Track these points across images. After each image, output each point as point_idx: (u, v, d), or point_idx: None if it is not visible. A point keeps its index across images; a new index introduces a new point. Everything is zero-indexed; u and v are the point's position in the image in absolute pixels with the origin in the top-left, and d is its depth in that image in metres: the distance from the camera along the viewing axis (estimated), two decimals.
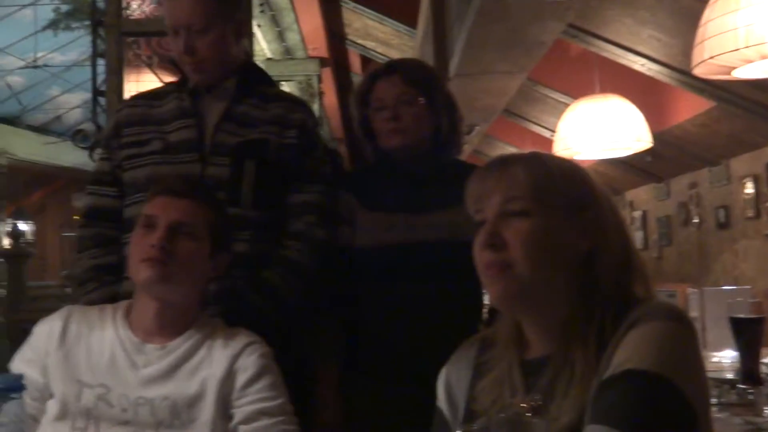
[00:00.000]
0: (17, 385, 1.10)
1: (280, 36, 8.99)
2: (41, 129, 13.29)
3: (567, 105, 5.40)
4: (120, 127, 2.04)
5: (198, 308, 1.66)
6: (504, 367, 1.28)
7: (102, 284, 1.94)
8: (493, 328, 1.37)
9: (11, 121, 12.63)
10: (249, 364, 1.56)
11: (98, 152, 2.01)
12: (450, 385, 1.37)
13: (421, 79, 2.13)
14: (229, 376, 1.55)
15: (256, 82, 2.11)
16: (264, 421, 1.52)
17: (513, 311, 1.29)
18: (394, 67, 2.17)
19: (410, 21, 7.37)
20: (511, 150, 8.19)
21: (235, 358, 1.56)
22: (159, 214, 1.60)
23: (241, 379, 1.55)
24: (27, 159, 12.26)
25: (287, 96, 2.23)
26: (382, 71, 2.16)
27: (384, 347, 2.03)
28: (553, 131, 5.38)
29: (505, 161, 1.29)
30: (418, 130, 2.10)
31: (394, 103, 2.08)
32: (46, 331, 1.63)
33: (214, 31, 1.95)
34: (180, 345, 1.58)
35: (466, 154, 5.75)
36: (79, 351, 1.58)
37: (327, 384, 2.04)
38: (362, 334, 2.06)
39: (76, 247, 2.01)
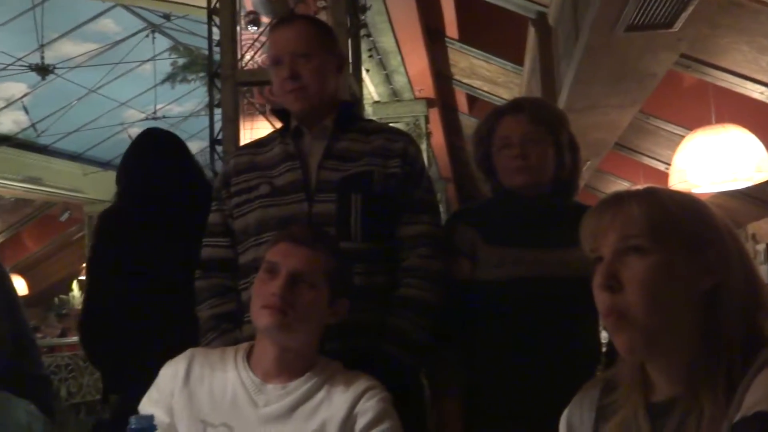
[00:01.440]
0: (150, 426, 1.14)
1: (388, 79, 9.11)
2: None
3: (682, 137, 5.25)
4: (228, 177, 2.12)
5: (316, 351, 1.68)
6: (629, 410, 1.24)
7: (221, 333, 2.01)
8: (616, 370, 1.33)
9: None
10: (369, 407, 1.56)
11: (212, 204, 2.07)
12: (572, 427, 1.34)
13: (547, 119, 2.13)
14: (349, 419, 1.56)
15: (353, 117, 2.15)
16: None
17: (637, 359, 1.25)
18: (520, 105, 2.18)
19: (516, 58, 7.35)
20: (623, 185, 8.00)
21: (356, 401, 1.57)
22: (280, 262, 1.64)
23: (360, 422, 1.56)
24: None
25: (387, 128, 2.27)
26: (509, 109, 2.16)
27: (503, 384, 2.00)
28: (668, 164, 5.22)
29: (621, 198, 1.26)
30: (543, 169, 2.09)
31: (520, 141, 2.08)
32: (171, 373, 1.69)
33: (317, 58, 2.02)
34: (300, 386, 1.61)
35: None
36: (202, 391, 1.63)
37: (450, 422, 2.03)
38: (480, 370, 2.04)
39: (196, 298, 2.07)
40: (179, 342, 1.85)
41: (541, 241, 2.04)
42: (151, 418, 1.18)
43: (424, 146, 10.23)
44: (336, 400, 1.58)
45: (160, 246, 2.52)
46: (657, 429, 1.19)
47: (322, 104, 2.06)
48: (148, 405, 1.65)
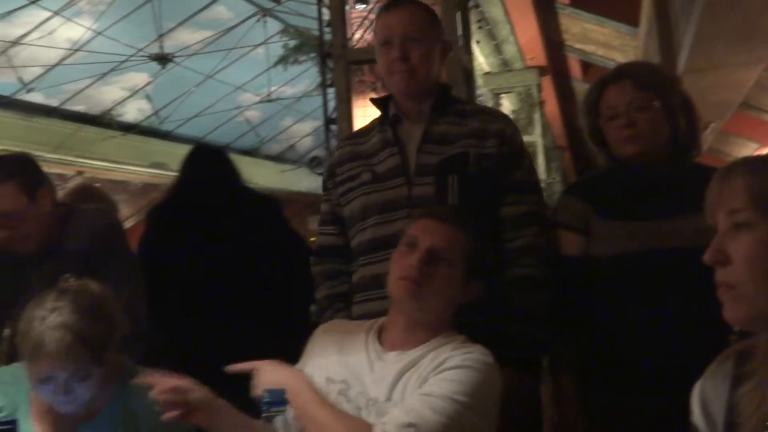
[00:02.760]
0: (282, 400, 1.18)
1: (497, 49, 9.02)
2: (277, 158, 14.22)
3: None
4: (333, 168, 2.19)
5: (445, 327, 1.70)
6: (765, 375, 1.20)
7: (336, 311, 2.10)
8: (751, 340, 1.29)
9: (251, 152, 13.63)
10: (453, 360, 1.57)
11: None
12: (706, 400, 1.31)
13: (653, 83, 2.05)
14: (436, 368, 1.57)
15: (451, 101, 2.16)
16: (424, 397, 1.51)
17: (754, 329, 1.21)
18: (623, 72, 2.10)
19: (631, 20, 7.13)
20: (752, 147, 7.66)
21: (450, 358, 1.58)
22: (420, 237, 1.68)
23: (440, 367, 1.57)
24: (267, 187, 13.12)
25: (485, 109, 2.28)
26: (611, 78, 2.10)
27: (625, 359, 1.96)
28: None
29: (729, 169, 1.21)
30: (654, 136, 2.01)
31: (626, 109, 2.02)
32: (318, 340, 1.79)
33: (427, 43, 2.04)
34: (414, 353, 1.63)
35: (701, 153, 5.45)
36: (333, 353, 1.71)
37: (566, 399, 2.01)
38: (600, 346, 2.01)
39: (314, 282, 2.21)
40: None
41: (655, 213, 1.98)
42: (282, 392, 1.22)
43: (537, 115, 10.09)
44: (436, 361, 1.61)
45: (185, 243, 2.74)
46: None
47: (425, 89, 2.08)
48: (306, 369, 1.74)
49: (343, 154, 2.17)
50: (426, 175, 2.00)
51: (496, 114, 2.17)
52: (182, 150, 3.09)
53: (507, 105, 10.54)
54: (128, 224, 12.41)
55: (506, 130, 2.07)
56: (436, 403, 1.48)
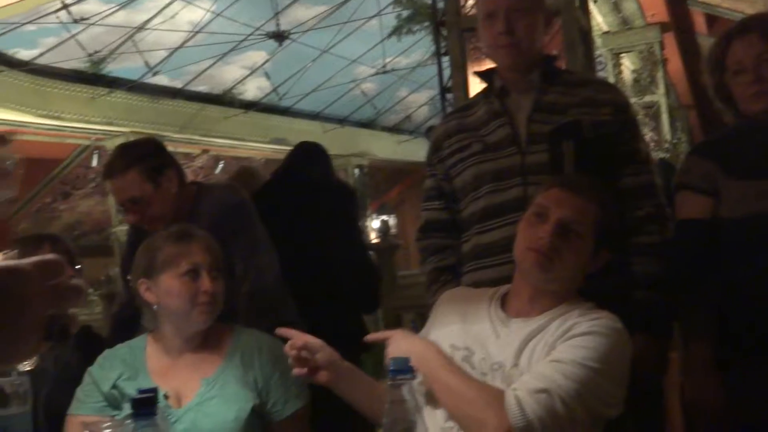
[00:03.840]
0: (407, 368, 1.21)
1: (616, 7, 8.74)
2: (394, 129, 14.30)
3: None
4: (439, 142, 2.20)
5: (571, 295, 1.69)
6: None
7: (442, 284, 2.14)
8: None
9: (368, 124, 13.76)
10: (582, 326, 1.55)
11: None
12: None
13: None
14: (564, 335, 1.56)
15: (557, 71, 2.17)
16: (553, 363, 1.50)
17: None
18: (749, 25, 2.02)
19: None
20: None
21: (578, 324, 1.56)
22: (551, 207, 1.66)
23: (567, 335, 1.55)
24: (385, 158, 13.23)
25: (596, 79, 2.26)
26: (737, 31, 2.01)
27: (761, 323, 1.89)
28: None
29: None
30: None
31: (753, 64, 1.93)
32: (436, 308, 1.81)
33: (531, 14, 2.03)
34: (541, 320, 1.63)
35: None
36: (456, 321, 1.72)
37: (699, 367, 1.96)
38: (733, 311, 1.94)
39: (420, 257, 2.27)
40: None
41: None
42: (408, 360, 1.24)
43: (659, 74, 9.73)
44: (563, 327, 1.59)
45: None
46: None
47: (530, 60, 2.08)
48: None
49: (450, 128, 2.19)
50: (539, 143, 2.00)
51: (606, 83, 2.20)
52: (301, 125, 3.24)
53: (627, 65, 10.22)
54: None
55: (619, 100, 2.09)
56: (567, 369, 1.48)
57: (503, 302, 1.72)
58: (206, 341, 1.93)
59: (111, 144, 9.45)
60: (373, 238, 9.63)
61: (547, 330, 1.60)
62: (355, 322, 3.07)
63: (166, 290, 1.87)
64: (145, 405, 1.16)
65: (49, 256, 0.79)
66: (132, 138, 9.58)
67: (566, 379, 1.47)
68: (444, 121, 2.31)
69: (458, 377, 1.56)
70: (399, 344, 1.63)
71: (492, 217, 1.99)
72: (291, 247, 2.72)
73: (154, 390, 1.25)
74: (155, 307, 1.90)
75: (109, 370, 1.89)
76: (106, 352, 1.96)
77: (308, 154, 3.34)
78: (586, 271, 1.68)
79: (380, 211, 13.47)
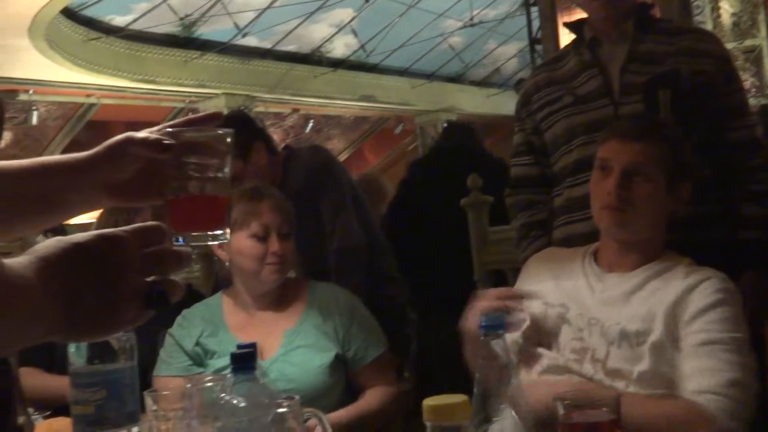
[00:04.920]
0: (501, 324, 1.21)
1: None
2: (482, 83, 14.12)
3: None
4: (528, 96, 2.16)
5: (662, 242, 1.66)
6: None
7: (532, 240, 2.13)
8: None
9: (456, 78, 13.62)
10: (702, 296, 1.52)
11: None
12: None
13: None
14: (679, 304, 1.53)
15: (653, 19, 2.10)
16: (709, 347, 1.48)
17: None
18: None
19: None
20: None
21: (690, 289, 1.54)
22: (612, 159, 1.64)
23: (691, 309, 1.52)
24: (474, 112, 13.10)
25: (695, 28, 2.18)
26: None
27: None
28: None
29: None
30: None
31: None
32: (532, 271, 1.80)
33: None
34: (639, 275, 1.62)
35: None
36: (549, 278, 1.72)
37: None
38: None
39: (509, 213, 2.26)
40: None
41: None
42: (501, 316, 1.24)
43: (761, 16, 9.27)
44: (670, 288, 1.56)
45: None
46: None
47: (624, 8, 2.02)
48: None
49: (539, 81, 2.15)
50: (633, 94, 1.95)
51: (707, 32, 2.12)
52: (389, 82, 3.29)
53: (726, 8, 9.78)
54: (343, 157, 12.92)
55: (721, 51, 2.03)
56: (730, 350, 1.47)
57: (596, 258, 1.71)
58: (283, 296, 1.99)
59: (204, 106, 9.66)
60: None
61: (646, 288, 1.59)
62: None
63: (237, 249, 1.93)
64: (245, 360, 1.19)
65: (150, 222, 0.79)
66: (224, 99, 9.86)
67: (734, 354, 1.47)
68: (533, 75, 2.29)
69: (648, 406, 1.46)
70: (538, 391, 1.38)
71: (585, 170, 1.95)
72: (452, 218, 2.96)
73: (253, 345, 1.29)
74: (227, 264, 1.97)
75: (190, 329, 1.97)
76: (185, 312, 2.02)
77: (463, 130, 3.61)
78: (669, 209, 1.65)
79: None
